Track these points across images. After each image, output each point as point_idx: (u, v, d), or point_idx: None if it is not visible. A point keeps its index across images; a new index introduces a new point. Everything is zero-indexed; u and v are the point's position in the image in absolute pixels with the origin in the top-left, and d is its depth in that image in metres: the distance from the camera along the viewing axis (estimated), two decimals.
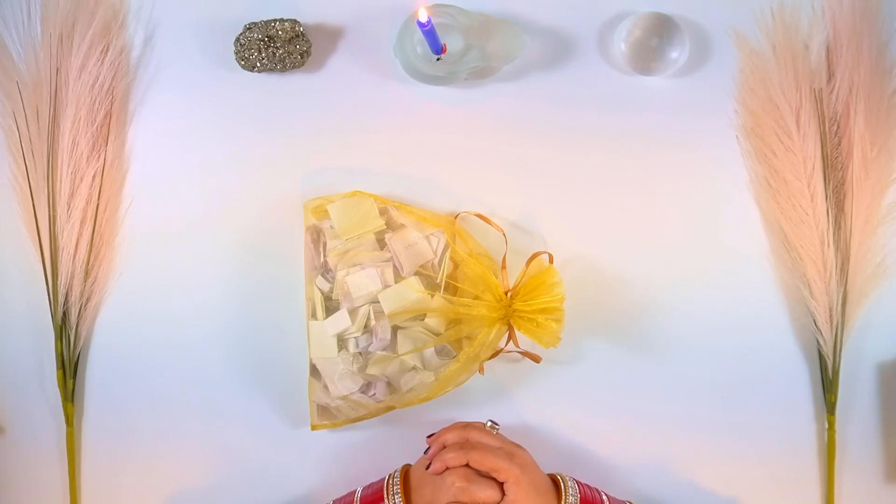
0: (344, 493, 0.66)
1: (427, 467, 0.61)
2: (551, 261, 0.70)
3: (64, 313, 0.70)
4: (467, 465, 0.60)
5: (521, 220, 0.73)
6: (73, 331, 0.70)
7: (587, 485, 0.65)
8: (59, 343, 0.70)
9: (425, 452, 0.63)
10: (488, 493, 0.59)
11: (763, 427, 0.73)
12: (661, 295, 0.73)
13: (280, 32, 0.70)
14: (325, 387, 0.68)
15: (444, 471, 0.60)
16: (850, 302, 0.72)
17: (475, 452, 0.60)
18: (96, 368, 0.71)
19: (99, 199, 0.71)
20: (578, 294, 0.71)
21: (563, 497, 0.61)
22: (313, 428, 0.69)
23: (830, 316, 0.72)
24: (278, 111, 0.73)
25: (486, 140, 0.74)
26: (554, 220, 0.73)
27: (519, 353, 0.71)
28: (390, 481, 0.63)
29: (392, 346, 0.68)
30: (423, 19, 0.65)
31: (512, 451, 0.61)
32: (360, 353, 0.68)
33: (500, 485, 0.59)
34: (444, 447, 0.62)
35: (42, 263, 0.70)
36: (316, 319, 0.68)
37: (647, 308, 0.73)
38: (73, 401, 0.70)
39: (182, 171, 0.72)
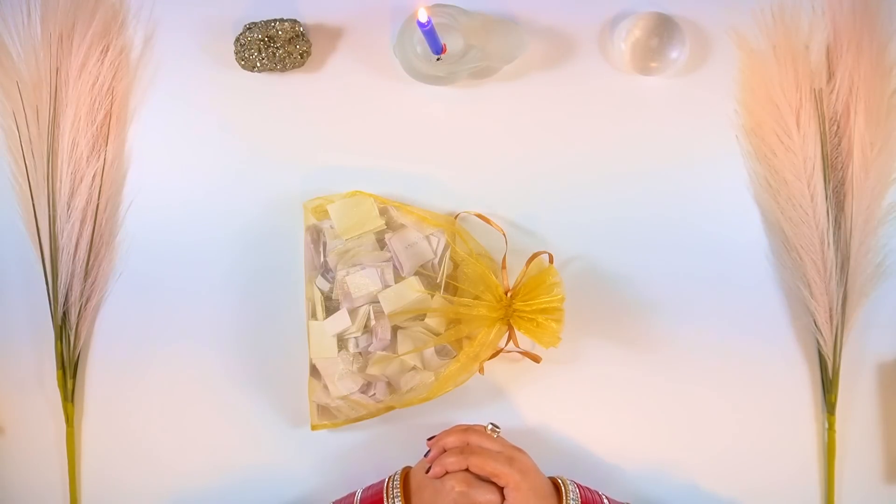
0: (344, 493, 0.66)
1: (427, 471, 0.61)
2: (551, 261, 0.70)
3: (64, 313, 0.70)
4: (467, 470, 0.59)
5: (521, 220, 0.73)
6: (73, 331, 0.70)
7: (588, 487, 0.65)
8: (59, 343, 0.70)
9: (425, 455, 0.63)
10: (488, 497, 0.58)
11: (763, 427, 0.73)
12: (661, 295, 0.73)
13: (280, 32, 0.70)
14: (325, 387, 0.68)
15: (444, 475, 0.60)
16: (850, 302, 0.72)
17: (475, 457, 0.59)
18: (96, 368, 0.71)
19: (99, 199, 0.71)
20: (578, 294, 0.72)
21: (564, 501, 0.61)
22: (313, 428, 0.69)
23: (830, 316, 0.72)
24: (278, 111, 0.73)
25: (486, 140, 0.74)
26: (554, 220, 0.73)
27: (519, 353, 0.71)
28: (390, 484, 0.63)
29: (392, 346, 0.68)
30: (423, 19, 0.65)
31: (512, 455, 0.61)
32: (360, 353, 0.68)
33: (501, 489, 0.59)
34: (445, 451, 0.61)
35: (42, 263, 0.70)
36: (316, 319, 0.68)
37: (647, 308, 0.73)
38: (73, 401, 0.70)
39: (182, 171, 0.72)
